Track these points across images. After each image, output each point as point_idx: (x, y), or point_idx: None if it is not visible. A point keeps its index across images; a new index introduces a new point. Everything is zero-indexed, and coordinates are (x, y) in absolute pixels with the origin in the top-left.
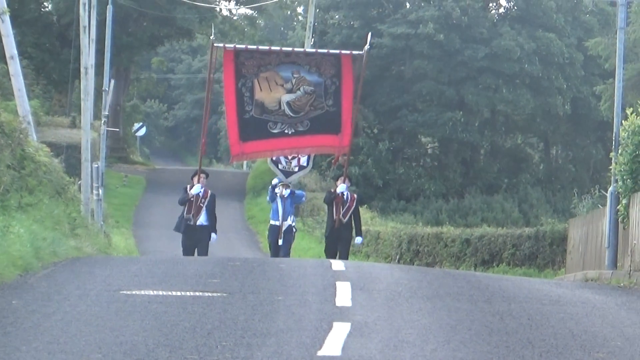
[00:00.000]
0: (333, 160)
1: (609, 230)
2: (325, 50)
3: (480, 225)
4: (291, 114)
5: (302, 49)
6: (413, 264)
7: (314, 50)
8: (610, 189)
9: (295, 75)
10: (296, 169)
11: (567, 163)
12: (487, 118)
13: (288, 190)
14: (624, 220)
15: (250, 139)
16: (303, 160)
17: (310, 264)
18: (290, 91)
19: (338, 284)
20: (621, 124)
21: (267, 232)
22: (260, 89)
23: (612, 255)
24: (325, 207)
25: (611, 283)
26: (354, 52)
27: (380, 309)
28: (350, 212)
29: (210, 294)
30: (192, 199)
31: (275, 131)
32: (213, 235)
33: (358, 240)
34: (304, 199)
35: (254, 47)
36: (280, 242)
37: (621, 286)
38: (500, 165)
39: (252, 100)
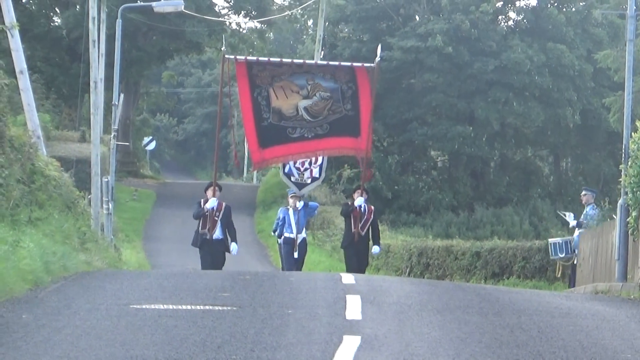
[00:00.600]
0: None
1: (619, 242)
2: (337, 63)
3: (491, 238)
4: (309, 119)
5: (313, 61)
6: (423, 277)
7: (325, 62)
8: (620, 201)
9: (310, 82)
10: (309, 181)
11: (577, 175)
12: (497, 131)
13: (301, 203)
14: (634, 233)
15: (270, 145)
16: (315, 172)
17: (320, 278)
18: (306, 97)
19: (348, 297)
20: (631, 136)
21: (277, 246)
22: (277, 97)
23: (622, 268)
24: (336, 220)
25: (621, 295)
26: (366, 64)
27: (390, 322)
28: (368, 224)
29: (220, 308)
30: (207, 213)
31: (294, 136)
32: (234, 245)
33: (375, 249)
34: (316, 211)
35: (265, 59)
36: (295, 254)
37: (631, 298)
38: (510, 178)
39: (269, 107)
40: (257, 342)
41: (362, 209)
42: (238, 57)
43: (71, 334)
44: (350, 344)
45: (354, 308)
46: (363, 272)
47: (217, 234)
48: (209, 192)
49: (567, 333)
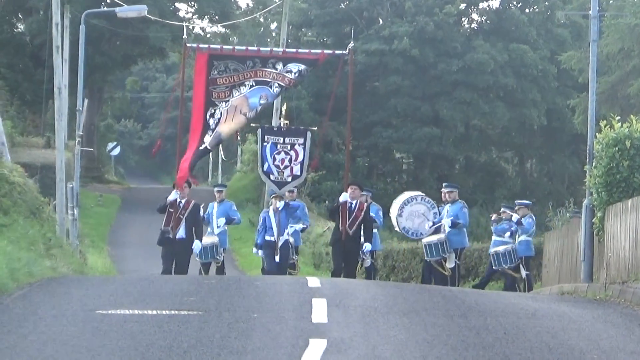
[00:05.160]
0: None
1: (585, 243)
2: (307, 51)
3: None
4: None
5: (281, 50)
6: (389, 280)
7: (294, 50)
8: (585, 202)
9: (262, 102)
10: (289, 179)
11: (543, 176)
12: (461, 133)
13: (282, 203)
14: (600, 233)
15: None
16: (296, 170)
17: (286, 281)
18: (250, 120)
19: (314, 300)
20: (595, 136)
21: (254, 249)
22: (225, 121)
23: (588, 269)
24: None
25: (587, 296)
26: (337, 51)
27: (356, 325)
28: (357, 222)
29: (186, 313)
30: (171, 210)
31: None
32: (196, 243)
33: (367, 247)
34: (298, 211)
35: (230, 47)
36: (277, 258)
37: (597, 299)
38: (476, 180)
39: (214, 132)
40: (223, 347)
41: (353, 205)
42: (201, 45)
43: (37, 340)
44: (316, 347)
45: (320, 311)
46: (351, 275)
47: (181, 233)
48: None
49: (533, 334)
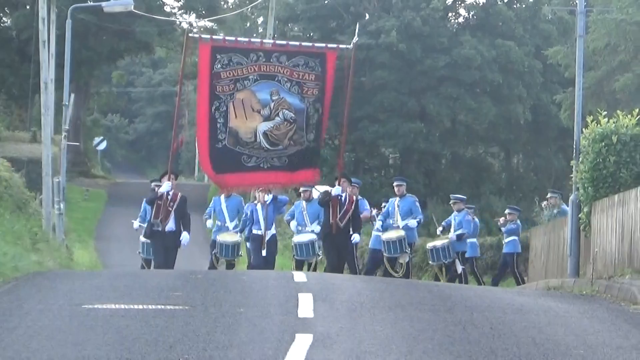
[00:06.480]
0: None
1: (571, 238)
2: (311, 44)
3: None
4: (268, 147)
5: (284, 42)
6: (375, 275)
7: (297, 43)
8: (572, 197)
9: (274, 98)
10: None
11: (529, 172)
12: (448, 128)
13: (270, 196)
14: (586, 228)
15: (224, 172)
16: None
17: (272, 276)
18: (267, 118)
19: (300, 295)
20: (582, 132)
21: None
22: (236, 116)
23: (574, 264)
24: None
25: (573, 291)
26: (341, 46)
27: (342, 320)
28: (348, 215)
29: (172, 307)
30: (159, 202)
31: (249, 164)
32: (185, 235)
33: (356, 238)
34: (285, 208)
35: (232, 39)
36: (263, 252)
37: (583, 294)
38: (462, 175)
39: (226, 127)
40: (209, 341)
41: (342, 198)
42: (203, 36)
43: (23, 334)
44: (302, 342)
45: (306, 306)
46: (352, 270)
47: (170, 225)
48: (165, 179)
49: (519, 329)
